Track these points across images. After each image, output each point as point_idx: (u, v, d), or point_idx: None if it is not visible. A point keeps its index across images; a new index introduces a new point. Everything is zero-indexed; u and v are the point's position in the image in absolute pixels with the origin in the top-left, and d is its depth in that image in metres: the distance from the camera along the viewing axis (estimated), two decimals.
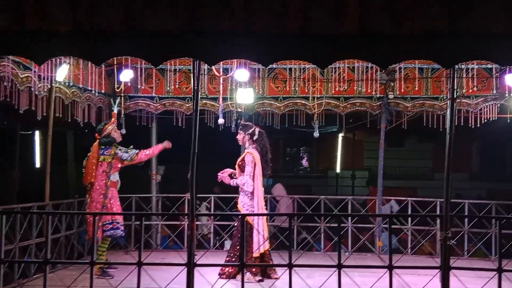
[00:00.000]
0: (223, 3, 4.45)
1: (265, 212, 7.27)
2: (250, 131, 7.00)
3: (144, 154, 7.34)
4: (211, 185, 10.46)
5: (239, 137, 7.12)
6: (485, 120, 9.01)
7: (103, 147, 7.20)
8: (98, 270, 6.70)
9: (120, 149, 7.23)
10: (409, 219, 8.87)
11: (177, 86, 9.29)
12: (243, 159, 6.92)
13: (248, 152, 6.93)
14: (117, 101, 8.65)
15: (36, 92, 7.14)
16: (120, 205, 7.37)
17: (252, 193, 6.80)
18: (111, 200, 7.11)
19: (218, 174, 7.00)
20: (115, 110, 7.93)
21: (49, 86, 7.37)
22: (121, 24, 4.47)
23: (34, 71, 6.97)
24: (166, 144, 7.46)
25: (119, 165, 7.25)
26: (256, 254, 6.59)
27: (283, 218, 9.03)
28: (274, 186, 10.48)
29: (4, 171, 14.66)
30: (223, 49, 4.58)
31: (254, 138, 6.97)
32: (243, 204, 6.82)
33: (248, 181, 6.75)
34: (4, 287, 5.58)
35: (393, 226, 5.73)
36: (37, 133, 14.57)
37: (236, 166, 7.02)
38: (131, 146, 7.34)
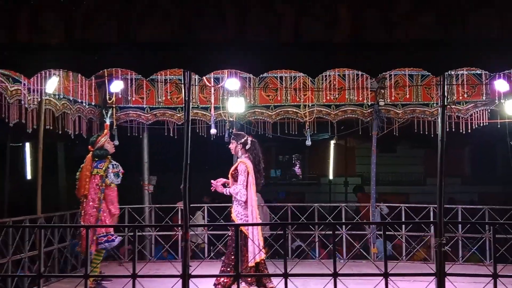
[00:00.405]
0: (217, 15, 4.44)
1: (259, 221, 7.25)
2: (243, 140, 6.99)
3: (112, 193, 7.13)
4: (202, 194, 10.42)
5: (232, 146, 7.11)
6: (476, 126, 9.06)
7: (96, 159, 7.15)
8: (92, 283, 6.64)
9: (113, 165, 7.13)
10: (403, 225, 8.88)
11: (168, 96, 9.26)
12: (235, 168, 6.91)
13: (241, 161, 6.91)
14: (109, 112, 8.62)
15: (26, 105, 7.10)
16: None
17: (246, 202, 6.78)
18: (104, 213, 7.05)
19: (212, 182, 6.97)
20: (108, 121, 7.90)
21: (39, 99, 7.34)
22: (113, 36, 4.45)
23: (24, 84, 6.94)
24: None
25: None
26: (251, 263, 6.56)
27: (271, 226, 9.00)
28: None
29: None
30: (216, 60, 4.57)
31: (247, 147, 6.96)
32: (237, 214, 6.80)
33: (242, 190, 6.73)
34: None
35: (387, 233, 5.73)
36: (27, 145, 14.48)
37: (229, 176, 7.00)
38: (121, 172, 7.18)
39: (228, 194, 6.88)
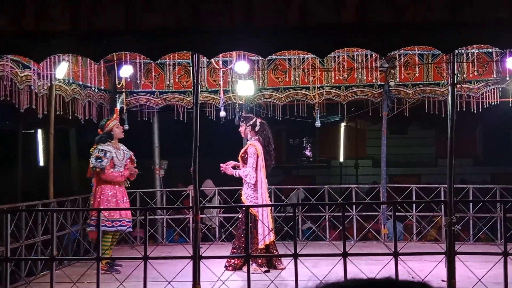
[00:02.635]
0: (223, 1, 4.43)
1: (269, 203, 7.28)
2: (252, 122, 7.00)
3: (109, 173, 7.02)
4: (211, 177, 10.41)
5: (241, 129, 7.12)
6: (487, 105, 8.97)
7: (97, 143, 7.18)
8: (105, 266, 6.72)
9: (98, 150, 7.01)
10: (414, 206, 8.86)
11: (177, 80, 9.27)
12: (245, 151, 6.93)
13: (250, 144, 6.93)
14: (121, 97, 8.64)
15: (36, 91, 7.14)
16: (127, 201, 7.30)
17: (255, 184, 6.80)
18: (96, 199, 7.06)
19: (221, 165, 7.00)
20: (118, 106, 7.91)
21: (49, 84, 7.37)
22: (120, 22, 4.46)
23: (34, 70, 6.96)
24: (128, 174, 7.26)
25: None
26: (261, 245, 6.60)
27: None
28: (204, 181, 10.21)
29: (7, 171, 14.69)
30: (223, 43, 4.58)
31: (256, 129, 6.97)
32: (247, 196, 6.83)
33: (251, 173, 6.75)
34: (11, 285, 5.59)
35: (398, 213, 5.72)
36: (39, 131, 14.57)
37: (239, 158, 7.03)
38: (107, 155, 7.02)
39: (238, 176, 6.91)
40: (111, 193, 7.04)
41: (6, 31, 4.53)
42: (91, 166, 7.06)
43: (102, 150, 7.05)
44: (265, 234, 6.59)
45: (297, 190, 9.91)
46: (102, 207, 6.65)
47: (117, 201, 7.04)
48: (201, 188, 9.52)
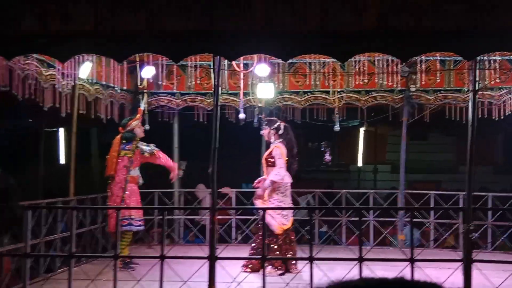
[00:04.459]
0: (244, 4, 4.47)
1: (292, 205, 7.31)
2: (275, 125, 7.03)
3: (162, 154, 7.42)
4: (230, 179, 10.45)
5: (265, 132, 7.13)
6: (509, 112, 8.88)
7: (124, 141, 7.29)
8: (121, 263, 6.79)
9: (141, 143, 7.33)
10: (432, 212, 8.80)
11: (198, 82, 9.32)
12: (270, 154, 6.94)
13: (275, 146, 6.95)
14: (144, 97, 8.74)
15: (60, 90, 7.25)
16: (139, 201, 7.43)
17: (280, 188, 6.81)
18: (130, 195, 7.19)
19: (255, 184, 7.01)
20: (142, 106, 8.02)
21: (73, 84, 7.48)
22: (141, 24, 4.52)
23: (58, 69, 7.07)
24: (176, 168, 7.60)
25: (140, 160, 7.34)
26: (279, 231, 6.59)
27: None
28: (197, 185, 10.25)
29: (29, 168, 14.89)
30: (244, 46, 4.62)
31: (280, 132, 6.99)
32: (270, 199, 6.80)
33: (286, 174, 6.80)
34: (30, 281, 5.69)
35: (415, 220, 5.71)
36: (61, 130, 14.73)
37: (263, 161, 7.05)
38: (153, 144, 7.43)
39: (270, 184, 6.80)
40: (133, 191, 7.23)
41: (32, 32, 4.63)
42: (144, 151, 7.23)
43: (147, 144, 7.33)
44: (281, 221, 6.61)
45: (307, 196, 9.90)
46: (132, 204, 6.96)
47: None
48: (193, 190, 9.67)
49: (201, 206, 9.60)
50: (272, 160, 6.86)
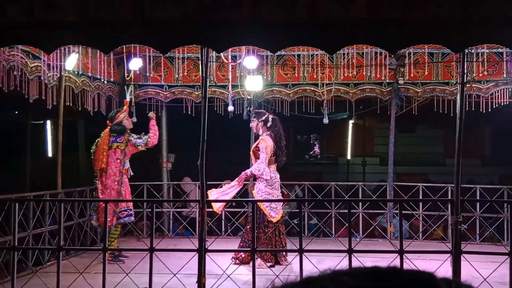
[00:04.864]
0: None
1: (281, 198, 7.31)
2: (264, 118, 7.02)
3: (153, 137, 7.35)
4: (219, 172, 10.45)
5: (253, 124, 7.13)
6: (497, 105, 8.93)
7: (114, 134, 7.24)
8: (110, 256, 6.76)
9: (132, 136, 7.28)
10: (420, 204, 8.85)
11: (186, 74, 9.28)
12: (257, 146, 6.95)
13: (262, 139, 6.95)
14: (130, 89, 8.67)
15: (46, 81, 7.17)
16: (130, 192, 7.47)
17: (267, 180, 6.81)
18: (124, 187, 7.20)
19: (231, 184, 7.03)
20: (128, 98, 7.96)
21: (59, 75, 7.40)
22: (128, 15, 4.47)
23: (44, 60, 6.99)
24: (152, 115, 7.53)
25: (132, 152, 7.31)
26: (273, 219, 6.62)
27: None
28: (183, 179, 10.28)
29: (16, 161, 14.77)
30: (232, 37, 4.59)
31: (268, 125, 6.98)
32: (258, 191, 6.83)
33: (265, 169, 6.78)
34: (18, 274, 5.64)
35: (404, 212, 5.72)
36: (48, 122, 14.64)
37: (251, 153, 7.06)
38: (143, 133, 7.37)
39: (251, 175, 6.88)
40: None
41: (16, 22, 4.56)
42: (138, 145, 7.19)
43: (138, 135, 7.30)
44: (272, 212, 6.63)
45: (294, 187, 9.93)
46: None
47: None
48: (180, 183, 9.65)
49: (188, 199, 9.58)
50: (259, 152, 6.87)
